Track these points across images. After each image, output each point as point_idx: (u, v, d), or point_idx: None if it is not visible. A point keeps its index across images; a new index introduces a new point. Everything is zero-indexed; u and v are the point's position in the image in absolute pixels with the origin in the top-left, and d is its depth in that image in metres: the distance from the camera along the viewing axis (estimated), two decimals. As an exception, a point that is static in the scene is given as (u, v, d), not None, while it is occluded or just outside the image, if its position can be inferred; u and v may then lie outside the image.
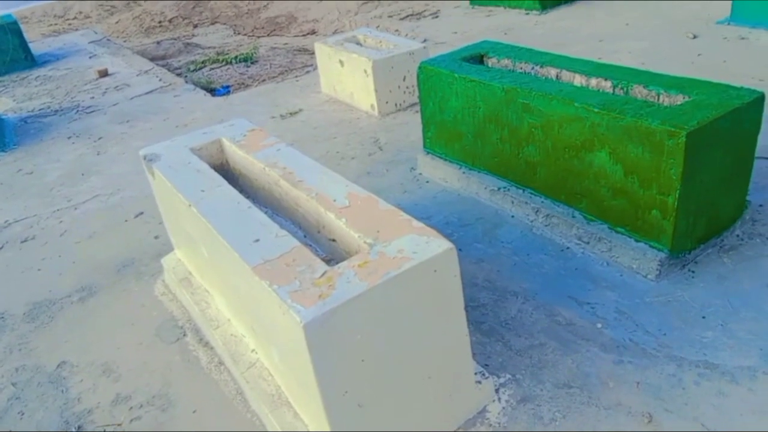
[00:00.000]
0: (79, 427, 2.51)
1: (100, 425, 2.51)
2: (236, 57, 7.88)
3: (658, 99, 2.88)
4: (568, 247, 3.11)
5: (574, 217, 3.10)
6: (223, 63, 7.81)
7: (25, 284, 3.55)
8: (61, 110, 6.52)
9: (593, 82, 3.14)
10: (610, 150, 2.78)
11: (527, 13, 7.33)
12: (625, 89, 3.00)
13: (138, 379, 2.71)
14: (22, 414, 2.63)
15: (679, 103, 2.77)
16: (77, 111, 6.43)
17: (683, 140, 2.46)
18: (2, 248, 3.99)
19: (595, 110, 2.77)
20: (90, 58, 8.51)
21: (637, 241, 2.86)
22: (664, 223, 2.70)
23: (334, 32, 8.33)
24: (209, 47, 8.84)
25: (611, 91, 3.05)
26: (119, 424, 2.50)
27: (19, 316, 3.28)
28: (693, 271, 2.82)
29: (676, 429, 2.13)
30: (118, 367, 2.81)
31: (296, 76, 6.66)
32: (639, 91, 2.95)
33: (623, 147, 2.71)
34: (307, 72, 6.72)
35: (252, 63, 7.65)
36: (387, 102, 5.07)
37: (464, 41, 4.28)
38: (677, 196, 2.59)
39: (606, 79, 3.08)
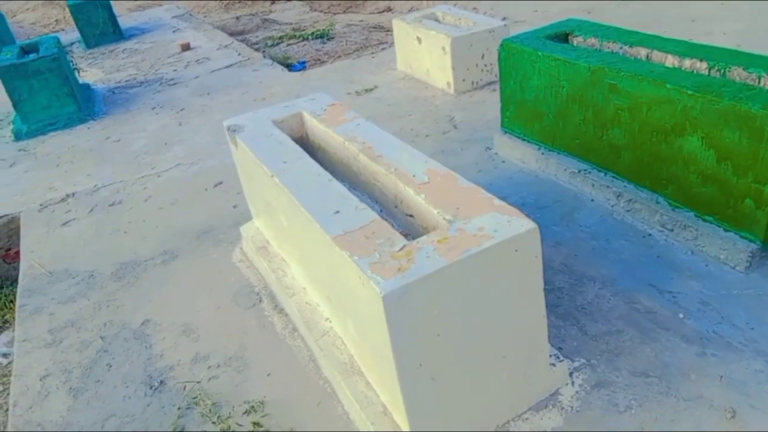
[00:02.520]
0: (161, 382, 2.64)
1: (180, 381, 2.63)
2: (312, 33, 7.96)
3: (759, 82, 2.71)
4: (650, 234, 3.01)
5: (658, 203, 2.99)
6: (300, 39, 7.91)
7: (113, 245, 3.75)
8: (146, 82, 6.78)
9: (687, 63, 2.99)
10: (703, 135, 2.65)
11: (613, -8, 7.03)
12: (722, 71, 2.85)
13: (216, 341, 2.82)
14: (110, 366, 2.79)
15: (781, 86, 2.61)
16: (161, 83, 6.67)
17: (786, 126, 2.32)
18: (92, 211, 4.21)
19: (689, 92, 2.64)
20: (173, 32, 8.79)
21: (726, 230, 2.73)
22: (757, 213, 2.56)
23: (410, 10, 8.26)
24: (286, 23, 8.96)
25: (707, 72, 2.90)
26: (198, 382, 2.61)
27: (107, 274, 3.46)
28: (786, 265, 2.67)
29: (762, 427, 2.04)
30: (198, 328, 2.93)
31: (372, 53, 6.66)
32: (738, 74, 2.79)
33: (718, 132, 2.58)
34: (383, 49, 6.71)
35: (328, 39, 7.71)
36: (464, 80, 5.01)
37: (545, 20, 4.16)
38: (775, 185, 2.46)
39: (701, 61, 2.93)
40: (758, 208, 2.55)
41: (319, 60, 6.95)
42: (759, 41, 4.96)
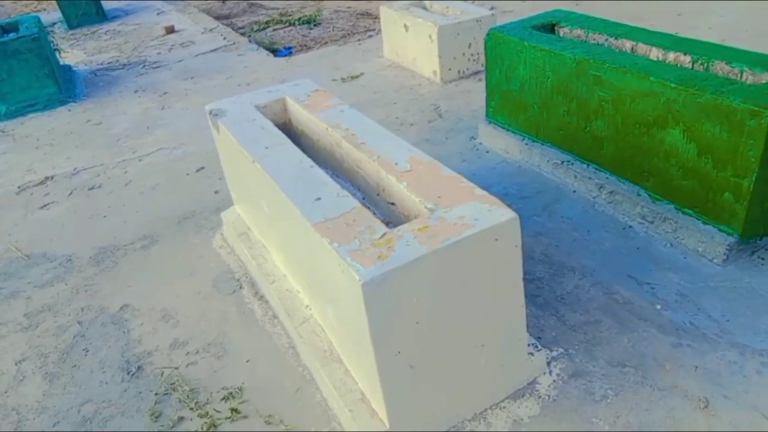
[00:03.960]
0: (138, 368, 2.62)
1: (158, 367, 2.61)
2: (299, 19, 7.88)
3: (741, 76, 2.73)
4: (630, 226, 3.03)
5: (639, 195, 3.01)
6: (286, 24, 7.83)
7: (92, 230, 3.70)
8: (129, 64, 6.69)
9: (671, 56, 3.00)
10: (685, 128, 2.67)
11: (600, -16, 7.03)
12: (705, 65, 2.86)
13: (195, 327, 2.81)
14: (87, 351, 2.76)
15: (764, 81, 2.62)
16: (144, 66, 6.58)
17: (766, 120, 2.34)
18: (71, 194, 4.15)
19: (672, 85, 2.65)
20: (158, 14, 8.67)
21: (705, 223, 2.75)
22: (736, 207, 2.59)
23: (399, -3, 8.21)
24: (273, 8, 8.86)
25: (690, 66, 2.92)
26: (176, 367, 2.59)
27: (85, 259, 3.42)
28: (763, 258, 2.70)
29: (734, 416, 2.07)
30: (177, 313, 2.91)
31: (359, 40, 6.62)
32: (720, 68, 2.81)
33: (699, 125, 2.60)
34: (370, 36, 6.67)
35: (315, 25, 7.64)
36: (450, 69, 4.99)
37: (533, 10, 4.15)
38: (754, 179, 2.48)
39: (685, 54, 2.94)
40: (737, 201, 2.57)
41: (305, 46, 6.89)
42: (743, 36, 4.99)
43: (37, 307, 3.09)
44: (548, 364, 2.33)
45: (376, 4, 7.64)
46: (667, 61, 3.01)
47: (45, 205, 4.05)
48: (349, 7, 8.30)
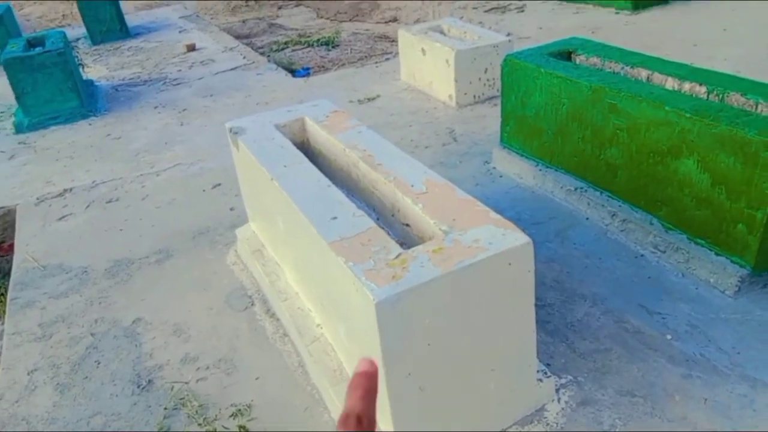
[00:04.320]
0: (149, 381, 2.64)
1: (168, 381, 2.63)
2: (318, 40, 8.00)
3: (756, 108, 2.75)
4: (642, 255, 3.03)
5: (651, 224, 3.01)
6: (305, 45, 7.95)
7: (108, 242, 3.75)
8: (150, 81, 6.80)
9: (686, 86, 3.02)
10: (699, 158, 2.68)
11: (617, 13, 7.10)
12: (720, 96, 2.88)
13: (206, 342, 2.83)
14: (99, 363, 2.79)
15: (778, 114, 2.64)
16: (164, 82, 6.69)
17: (780, 153, 2.35)
18: (89, 207, 4.22)
19: (687, 115, 2.67)
20: (179, 32, 8.82)
21: (717, 254, 2.75)
22: (749, 239, 2.59)
23: (416, 21, 8.32)
24: (292, 29, 9.00)
25: (705, 97, 2.93)
26: (186, 382, 2.61)
27: (100, 271, 3.46)
28: (776, 292, 2.69)
29: (745, 451, 2.05)
30: (189, 328, 2.93)
31: (376, 63, 6.70)
32: (735, 99, 2.83)
33: (713, 156, 2.61)
34: (387, 59, 6.75)
35: (333, 47, 7.75)
36: (466, 93, 5.04)
37: (549, 38, 4.19)
38: (767, 211, 2.48)
39: (700, 85, 2.96)
40: (750, 233, 2.57)
41: (323, 67, 6.99)
42: (758, 68, 5.00)
43: (52, 318, 3.13)
44: (557, 391, 2.33)
45: (394, 27, 7.75)
46: (682, 91, 3.03)
47: (63, 217, 4.11)
48: (367, 30, 8.42)
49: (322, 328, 2.52)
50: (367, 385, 0.55)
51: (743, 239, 2.62)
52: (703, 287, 2.78)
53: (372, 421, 0.55)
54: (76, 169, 4.81)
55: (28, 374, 2.78)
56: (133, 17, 9.77)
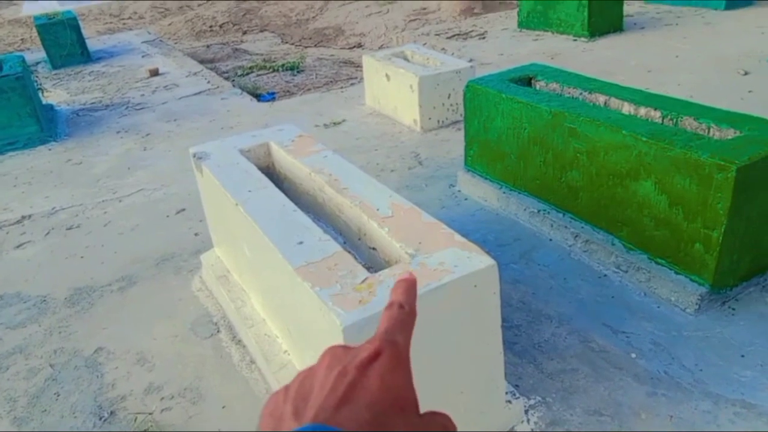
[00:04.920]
0: (111, 413, 2.57)
1: (132, 412, 2.56)
2: (283, 65, 8.03)
3: (709, 132, 2.85)
4: (605, 275, 3.09)
5: (613, 244, 3.08)
6: (270, 70, 7.97)
7: (69, 270, 3.66)
8: (112, 105, 6.72)
9: (642, 111, 3.12)
10: (656, 180, 2.76)
11: (575, 40, 7.32)
12: (674, 120, 2.98)
13: (171, 371, 2.77)
14: (58, 395, 2.70)
15: (729, 137, 2.74)
16: (127, 107, 6.62)
17: (733, 174, 2.43)
18: (48, 234, 4.12)
19: (643, 139, 2.76)
20: (142, 57, 8.76)
21: (677, 273, 2.82)
22: (706, 258, 2.67)
23: (380, 47, 8.43)
24: (257, 54, 9.03)
25: (660, 121, 3.04)
26: (150, 413, 2.55)
27: (60, 300, 3.37)
28: (734, 309, 2.77)
29: (709, 467, 2.09)
30: (153, 357, 2.87)
31: (341, 87, 6.75)
32: (689, 123, 2.93)
33: (670, 178, 2.70)
34: (352, 84, 6.81)
35: (298, 72, 7.79)
36: (430, 118, 5.11)
37: (510, 64, 4.30)
38: (722, 231, 2.56)
39: (655, 109, 3.06)
40: (707, 252, 2.65)
41: (288, 92, 7.01)
42: (709, 93, 5.20)
43: (8, 349, 3.02)
44: (526, 412, 2.34)
45: (358, 53, 7.84)
46: (638, 116, 3.13)
47: (21, 245, 4.00)
48: (332, 55, 8.49)
49: (289, 354, 2.49)
50: (407, 285, 0.59)
51: (701, 258, 2.70)
52: (665, 306, 2.85)
53: (413, 311, 0.58)
54: (34, 196, 4.70)
55: (-17, 409, 2.68)
56: (94, 41, 9.68)
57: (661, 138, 2.72)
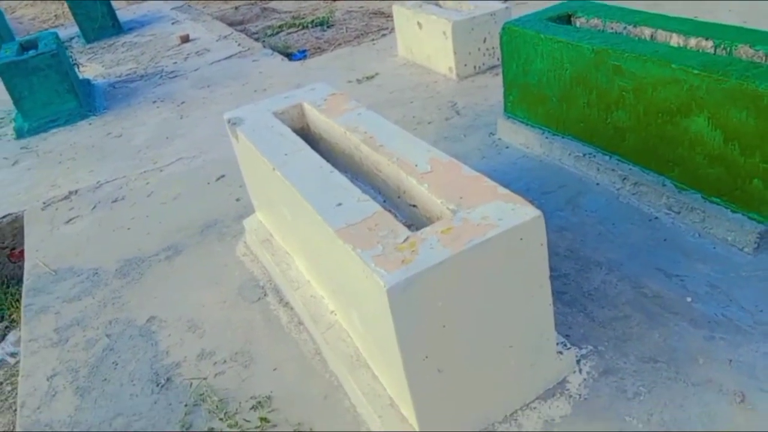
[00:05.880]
0: (168, 379, 2.64)
1: (187, 378, 2.62)
2: (312, 21, 7.89)
3: (766, 60, 2.66)
4: (656, 217, 2.97)
5: (664, 185, 2.95)
6: (300, 27, 7.85)
7: (117, 242, 3.74)
8: (146, 75, 6.75)
9: (692, 42, 2.93)
10: (710, 115, 2.61)
11: (615, -30, 6.93)
12: (728, 50, 2.79)
13: (221, 336, 2.82)
14: (116, 364, 2.79)
15: (789, 63, 2.55)
16: (161, 76, 6.64)
17: (794, 104, 2.27)
18: (95, 208, 4.20)
19: (695, 72, 2.59)
20: (172, 24, 8.74)
21: (734, 212, 2.69)
22: (766, 194, 2.52)
23: (411, -6, 8.17)
24: (285, 12, 8.89)
25: (713, 51, 2.85)
26: (204, 378, 2.60)
27: (111, 272, 3.45)
28: (796, 246, 2.63)
29: (773, 411, 2.02)
30: (203, 323, 2.92)
31: (372, 40, 6.60)
32: (744, 52, 2.74)
33: (724, 112, 2.54)
34: (383, 35, 6.65)
35: (328, 27, 7.65)
36: (466, 65, 4.95)
37: (548, 2, 4.09)
38: (783, 164, 2.41)
39: (707, 39, 2.87)
40: (766, 188, 2.51)
41: (319, 48, 6.89)
42: (764, 17, 4.87)
43: (66, 322, 3.13)
44: (578, 362, 2.29)
45: (388, 3, 7.62)
46: (688, 47, 2.94)
47: (70, 220, 4.10)
48: (362, 7, 8.29)
49: (336, 314, 2.50)
50: None
51: (759, 195, 2.55)
52: (721, 246, 2.73)
53: None
54: (79, 171, 4.79)
55: (48, 380, 2.78)
56: (124, 12, 9.69)
57: (714, 69, 2.55)
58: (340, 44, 6.82)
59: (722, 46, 2.81)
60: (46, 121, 5.73)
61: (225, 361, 2.67)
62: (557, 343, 2.24)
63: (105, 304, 3.20)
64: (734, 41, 2.78)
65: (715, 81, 2.52)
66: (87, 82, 6.58)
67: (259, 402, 2.43)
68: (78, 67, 6.56)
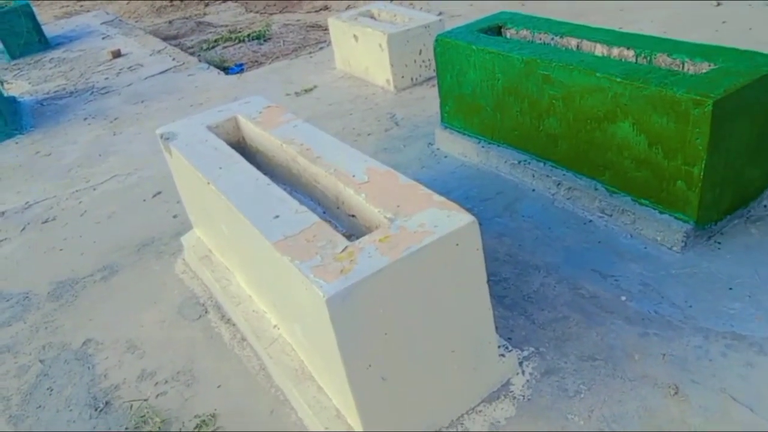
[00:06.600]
0: (106, 403, 2.55)
1: (127, 400, 2.54)
2: (249, 35, 7.82)
3: (683, 67, 2.81)
4: (590, 220, 3.07)
5: (596, 189, 3.06)
6: (236, 41, 7.76)
7: (49, 264, 3.59)
8: (76, 92, 6.54)
9: (615, 51, 3.06)
10: (634, 120, 2.72)
11: (544, -16, 7.16)
12: (648, 58, 2.93)
13: (162, 356, 2.74)
14: (51, 390, 2.67)
15: (704, 71, 2.70)
16: (92, 92, 6.44)
17: (709, 109, 2.40)
18: (24, 229, 4.03)
19: (618, 80, 2.71)
20: (103, 38, 8.50)
21: (661, 212, 2.81)
22: (689, 194, 2.65)
23: (347, 8, 8.22)
24: (221, 25, 8.77)
25: (634, 60, 2.98)
26: (145, 399, 2.52)
27: (43, 295, 3.31)
28: (719, 243, 2.77)
29: (703, 400, 2.11)
30: (143, 343, 2.84)
31: (310, 53, 6.60)
32: (663, 60, 2.88)
33: (647, 117, 2.66)
34: (321, 48, 6.66)
35: (265, 40, 7.59)
36: (403, 77, 5.01)
37: (480, 14, 4.19)
38: (703, 166, 2.54)
39: (628, 49, 3.01)
40: (689, 189, 2.63)
41: (256, 62, 6.83)
42: (683, 27, 5.15)
43: (-5, 350, 2.98)
44: (520, 364, 2.34)
45: (325, 16, 7.65)
46: (611, 57, 3.07)
47: (-3, 243, 3.92)
48: (299, 21, 8.28)
49: (278, 328, 2.47)
50: None
51: (684, 195, 2.68)
52: (652, 246, 2.84)
53: None
54: (6, 192, 4.58)
55: (-24, 411, 2.64)
56: (52, 27, 9.36)
57: (635, 77, 2.67)
58: (277, 57, 6.79)
59: (643, 54, 2.95)
60: (-31, 141, 5.46)
61: (167, 381, 2.60)
62: (499, 346, 2.28)
63: (37, 328, 3.07)
64: (654, 50, 2.92)
65: (637, 88, 2.64)
66: (12, 99, 6.31)
67: (204, 420, 2.37)
68: (2, 85, 6.29)
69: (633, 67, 2.79)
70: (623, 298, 2.59)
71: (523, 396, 2.23)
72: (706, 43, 2.92)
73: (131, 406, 2.51)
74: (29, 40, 8.16)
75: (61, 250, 3.72)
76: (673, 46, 2.91)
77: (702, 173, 2.55)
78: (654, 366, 2.26)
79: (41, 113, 6.09)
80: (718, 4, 5.56)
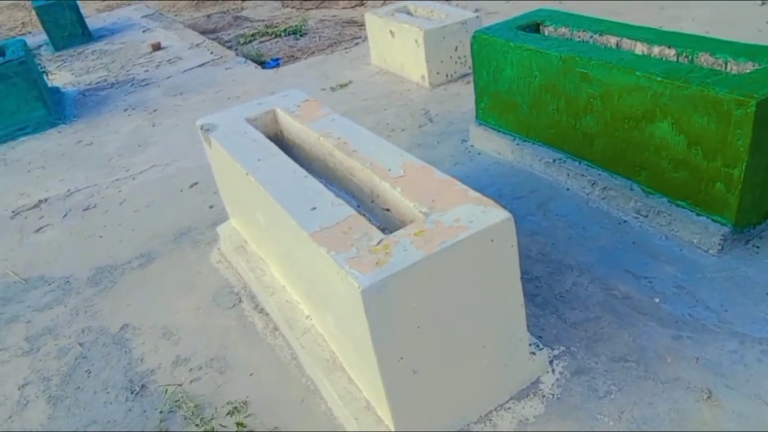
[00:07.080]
0: (142, 386, 2.62)
1: (161, 384, 2.61)
2: (285, 30, 7.90)
3: (726, 67, 2.76)
4: (625, 221, 3.04)
5: (632, 189, 3.03)
6: (273, 36, 7.85)
7: (89, 250, 3.70)
8: (117, 83, 6.69)
9: (655, 50, 3.02)
10: (673, 120, 2.69)
11: (583, -19, 7.07)
12: (689, 57, 2.89)
13: (196, 343, 2.80)
14: (89, 372, 2.76)
15: (747, 71, 2.65)
16: (132, 84, 6.58)
17: (753, 110, 2.36)
18: (66, 216, 4.15)
19: (658, 79, 2.67)
20: (143, 32, 8.67)
21: (698, 214, 2.77)
22: (728, 197, 2.61)
23: (383, 4, 8.24)
24: (258, 20, 8.87)
25: (675, 59, 2.94)
26: (180, 384, 2.59)
27: (83, 280, 3.41)
28: (758, 247, 2.72)
29: (737, 405, 2.08)
30: (178, 330, 2.91)
31: (345, 48, 6.64)
32: (705, 59, 2.83)
33: (687, 117, 2.62)
34: (356, 44, 6.69)
35: (301, 35, 7.66)
36: (438, 73, 5.01)
37: (518, 10, 4.17)
38: (744, 168, 2.50)
39: (669, 47, 2.96)
40: (728, 191, 2.59)
41: (292, 56, 6.90)
42: (725, 26, 5.04)
43: (38, 331, 3.08)
44: (551, 362, 2.34)
45: (361, 12, 7.68)
46: (652, 55, 3.03)
47: (40, 228, 4.04)
48: (335, 16, 8.32)
49: (311, 319, 2.51)
50: None
51: (722, 198, 2.64)
52: (687, 248, 2.81)
53: None
54: (49, 179, 4.73)
55: (19, 389, 2.74)
56: (94, 20, 9.58)
57: (676, 76, 2.64)
58: (313, 53, 6.84)
59: (684, 54, 2.91)
60: (14, 129, 5.63)
61: (200, 368, 2.66)
62: (530, 344, 2.28)
63: (77, 312, 3.16)
64: (696, 49, 2.87)
65: (678, 87, 2.61)
66: (56, 90, 6.49)
67: (236, 407, 2.42)
68: (47, 75, 6.47)
69: (674, 66, 2.75)
70: (657, 300, 2.56)
71: (553, 395, 2.23)
72: (750, 42, 2.86)
73: (166, 391, 2.57)
74: (73, 32, 8.37)
75: (100, 237, 3.83)
76: (715, 46, 2.86)
77: (742, 175, 2.51)
78: (687, 369, 2.24)
79: (83, 104, 6.25)
80: (763, 3, 5.43)
